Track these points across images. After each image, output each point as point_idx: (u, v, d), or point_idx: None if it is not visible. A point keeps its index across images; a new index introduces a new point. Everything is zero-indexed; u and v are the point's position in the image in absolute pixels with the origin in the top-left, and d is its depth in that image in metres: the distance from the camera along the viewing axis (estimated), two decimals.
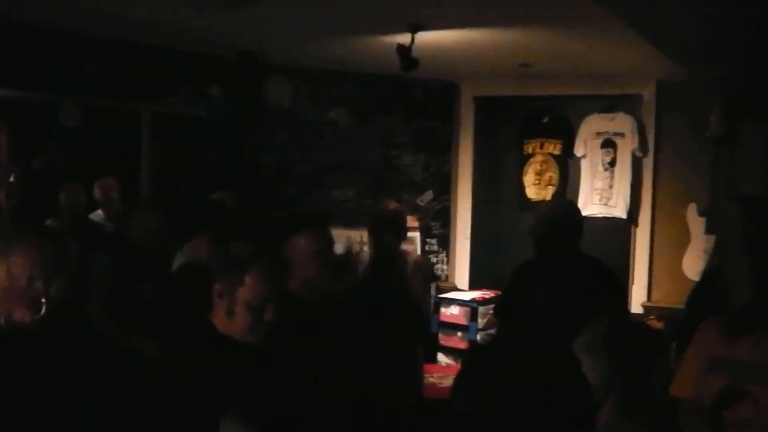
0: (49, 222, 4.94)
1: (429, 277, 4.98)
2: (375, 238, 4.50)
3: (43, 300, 2.10)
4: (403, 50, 4.76)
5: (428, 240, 7.01)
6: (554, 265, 3.77)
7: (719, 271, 3.16)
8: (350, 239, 5.27)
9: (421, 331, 3.93)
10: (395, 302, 3.15)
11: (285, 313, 2.58)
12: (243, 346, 2.51)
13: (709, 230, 5.72)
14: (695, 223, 5.99)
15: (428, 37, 4.73)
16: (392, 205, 4.71)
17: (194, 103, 5.98)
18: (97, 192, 5.62)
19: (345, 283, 3.82)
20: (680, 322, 3.57)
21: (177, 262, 3.77)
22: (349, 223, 5.58)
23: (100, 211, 5.64)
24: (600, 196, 6.43)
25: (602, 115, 6.42)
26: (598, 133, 6.43)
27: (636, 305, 6.15)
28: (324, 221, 3.21)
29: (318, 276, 3.06)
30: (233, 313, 2.50)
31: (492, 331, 5.26)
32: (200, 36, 5.26)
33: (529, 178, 6.82)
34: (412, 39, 4.68)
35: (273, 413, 2.36)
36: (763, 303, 2.57)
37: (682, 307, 3.80)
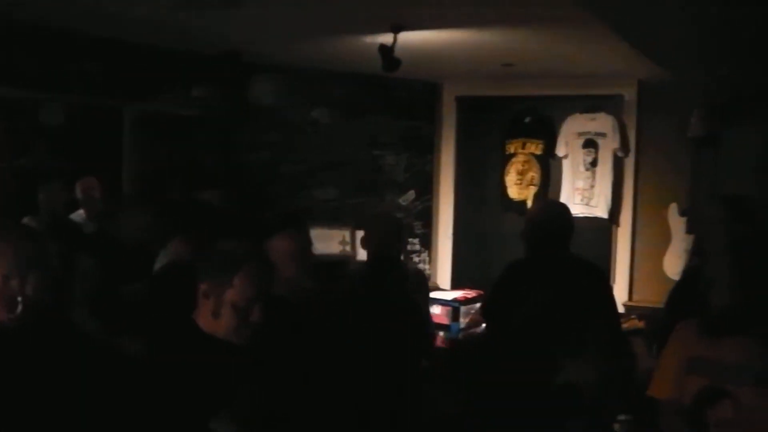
0: (26, 220, 4.90)
1: (426, 285, 4.98)
2: (376, 240, 4.48)
3: (18, 299, 2.09)
4: (386, 50, 4.76)
5: (410, 240, 7.02)
6: (545, 266, 3.73)
7: (698, 271, 3.18)
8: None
9: (421, 332, 3.93)
10: (395, 303, 3.16)
11: (270, 314, 2.58)
12: (228, 346, 2.51)
13: (689, 230, 5.76)
14: (676, 222, 6.03)
15: (411, 38, 4.73)
16: (391, 212, 4.75)
17: (181, 103, 5.95)
18: (78, 191, 5.56)
19: (338, 284, 3.82)
20: (660, 322, 3.58)
21: (160, 262, 3.75)
22: (332, 223, 5.57)
23: (81, 211, 5.59)
24: (581, 196, 6.45)
25: (584, 115, 6.45)
26: (580, 133, 6.46)
27: (617, 305, 6.18)
28: (301, 222, 3.23)
29: (297, 276, 3.06)
30: (219, 314, 2.49)
31: (475, 330, 5.27)
32: (186, 35, 5.24)
33: (510, 178, 6.84)
34: (395, 39, 4.69)
35: (263, 414, 2.36)
36: (743, 304, 2.58)
37: (663, 306, 3.82)
